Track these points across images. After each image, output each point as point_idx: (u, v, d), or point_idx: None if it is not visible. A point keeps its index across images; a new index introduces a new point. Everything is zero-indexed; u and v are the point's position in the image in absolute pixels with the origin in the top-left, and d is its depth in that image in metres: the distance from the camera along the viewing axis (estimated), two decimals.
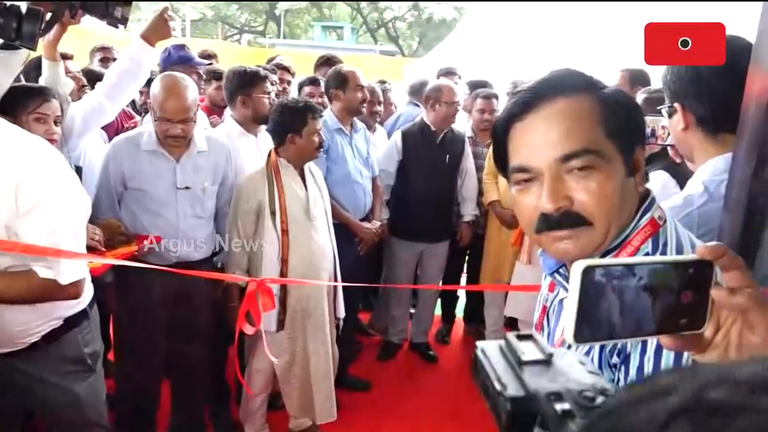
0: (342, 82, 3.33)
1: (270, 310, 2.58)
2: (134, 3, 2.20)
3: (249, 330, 2.52)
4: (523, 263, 3.54)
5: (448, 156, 3.70)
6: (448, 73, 4.72)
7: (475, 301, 4.31)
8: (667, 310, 0.63)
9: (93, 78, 3.30)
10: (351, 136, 3.39)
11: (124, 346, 2.68)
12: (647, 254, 0.86)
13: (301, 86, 4.04)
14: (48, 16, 1.90)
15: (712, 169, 1.33)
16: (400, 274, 3.77)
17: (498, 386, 0.44)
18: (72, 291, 1.69)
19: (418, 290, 4.03)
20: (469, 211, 3.86)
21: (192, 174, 2.56)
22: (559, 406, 0.41)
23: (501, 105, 4.58)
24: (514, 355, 0.47)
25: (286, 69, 4.29)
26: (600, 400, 0.41)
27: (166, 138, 2.47)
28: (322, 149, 2.82)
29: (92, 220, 2.11)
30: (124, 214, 2.52)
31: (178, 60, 3.60)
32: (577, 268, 0.59)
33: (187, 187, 2.54)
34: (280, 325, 2.70)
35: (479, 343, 0.51)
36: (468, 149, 3.83)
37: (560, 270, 0.97)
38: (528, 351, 0.48)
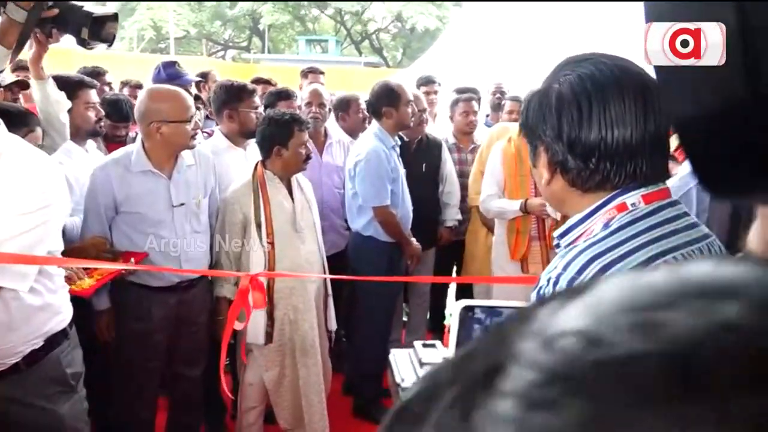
0: (394, 98, 3.21)
1: (262, 308, 2.55)
2: (115, 23, 2.18)
3: (239, 326, 2.49)
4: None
5: (424, 164, 3.67)
6: (428, 82, 4.72)
7: None
8: None
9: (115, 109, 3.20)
10: (397, 153, 3.36)
11: (123, 370, 2.60)
12: (597, 240, 0.86)
13: (269, 104, 3.37)
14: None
15: None
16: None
17: (398, 379, 0.56)
18: None
19: (410, 298, 4.01)
20: (451, 217, 3.82)
21: (185, 189, 2.53)
22: None
23: (482, 109, 4.62)
24: (417, 358, 0.58)
25: (267, 82, 4.33)
26: None
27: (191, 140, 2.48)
28: (308, 161, 2.81)
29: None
30: (119, 238, 2.45)
31: (167, 77, 3.60)
32: (456, 307, 0.65)
33: (182, 204, 2.51)
34: (269, 337, 2.67)
35: (393, 350, 0.62)
36: (446, 156, 3.79)
37: None
38: (429, 355, 0.58)
